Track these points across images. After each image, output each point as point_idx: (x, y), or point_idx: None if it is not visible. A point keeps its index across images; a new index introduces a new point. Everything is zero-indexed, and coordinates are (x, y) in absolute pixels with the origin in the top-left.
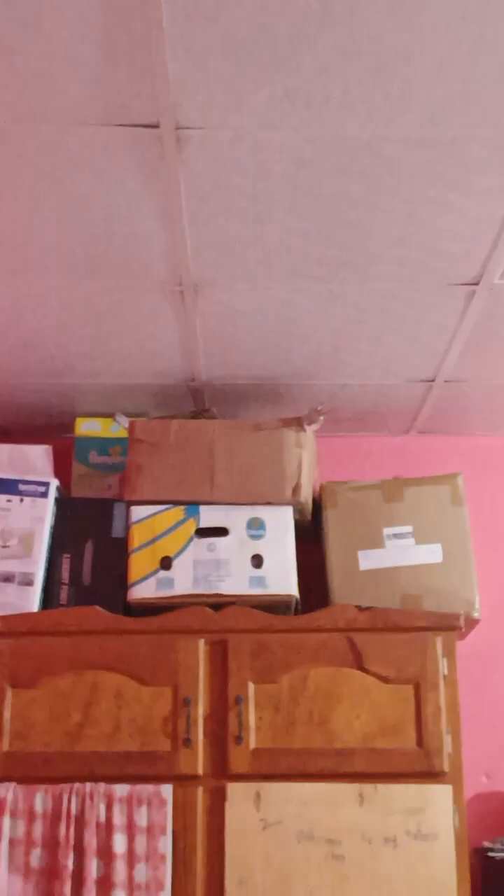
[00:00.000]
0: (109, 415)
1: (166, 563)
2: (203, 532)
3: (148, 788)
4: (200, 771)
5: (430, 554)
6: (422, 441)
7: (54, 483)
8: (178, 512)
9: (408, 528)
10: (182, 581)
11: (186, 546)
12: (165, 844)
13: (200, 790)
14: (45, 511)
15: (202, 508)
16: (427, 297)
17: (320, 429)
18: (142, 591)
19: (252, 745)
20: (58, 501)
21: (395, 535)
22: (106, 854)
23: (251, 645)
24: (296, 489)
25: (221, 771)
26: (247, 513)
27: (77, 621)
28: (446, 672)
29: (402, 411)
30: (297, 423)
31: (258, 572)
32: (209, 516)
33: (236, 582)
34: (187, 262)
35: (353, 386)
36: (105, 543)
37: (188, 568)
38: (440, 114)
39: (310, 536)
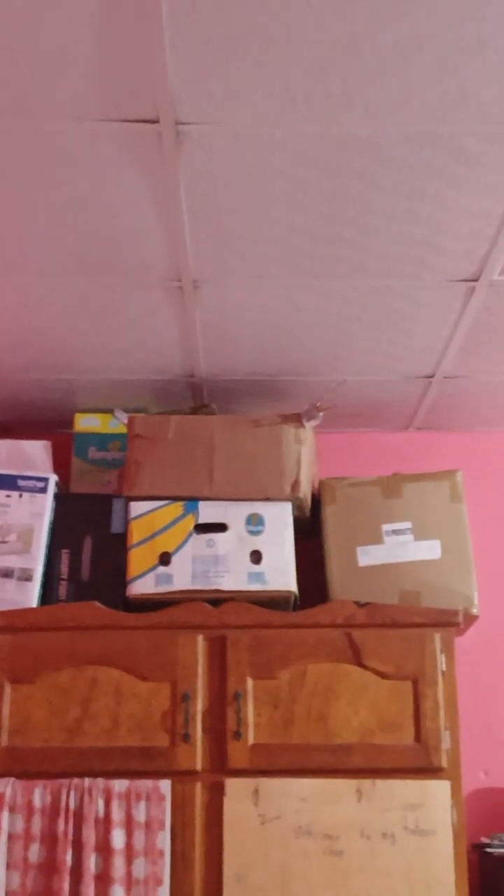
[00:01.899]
0: (108, 410)
1: (165, 559)
2: (202, 528)
3: (147, 784)
4: (199, 766)
5: (429, 550)
6: (421, 437)
7: (53, 479)
8: (177, 508)
9: (407, 525)
10: (181, 577)
11: (185, 542)
12: (164, 840)
13: (199, 785)
14: (45, 507)
15: (201, 504)
16: (426, 293)
17: (319, 425)
18: (141, 586)
19: (251, 740)
20: (57, 497)
21: (394, 532)
22: (104, 849)
23: (250, 641)
24: (295, 485)
25: (220, 766)
26: (246, 509)
27: (76, 617)
28: (444, 668)
29: (401, 407)
30: (296, 419)
31: (257, 568)
32: (208, 512)
33: (235, 578)
34: (187, 259)
35: (352, 382)
36: (104, 539)
37: (187, 564)
38: (439, 110)
39: (308, 532)
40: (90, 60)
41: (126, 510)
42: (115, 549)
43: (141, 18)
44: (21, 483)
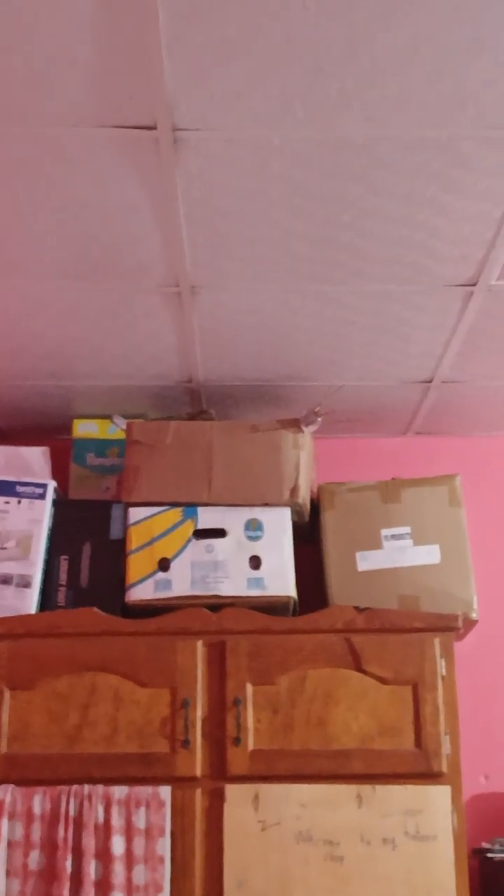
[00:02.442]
0: (107, 416)
1: (164, 565)
2: (201, 533)
3: (146, 790)
4: (199, 772)
5: (428, 555)
6: (419, 442)
7: (52, 485)
8: (175, 513)
9: (405, 529)
10: (180, 582)
11: (184, 547)
12: (164, 846)
13: (199, 792)
14: (43, 513)
15: (200, 510)
16: (424, 298)
17: (318, 430)
18: (140, 592)
19: (250, 746)
20: (55, 503)
21: (393, 536)
22: (104, 856)
23: (249, 646)
24: (293, 490)
25: (220, 772)
26: (244, 514)
27: (75, 623)
28: (444, 673)
29: (399, 412)
30: (295, 424)
31: (256, 573)
32: (207, 518)
33: (234, 583)
34: (184, 264)
35: (351, 387)
36: (103, 545)
37: (186, 569)
38: (437, 114)
39: (307, 537)
40: (87, 66)
41: (125, 516)
42: (113, 556)
43: (138, 24)
44: (19, 489)
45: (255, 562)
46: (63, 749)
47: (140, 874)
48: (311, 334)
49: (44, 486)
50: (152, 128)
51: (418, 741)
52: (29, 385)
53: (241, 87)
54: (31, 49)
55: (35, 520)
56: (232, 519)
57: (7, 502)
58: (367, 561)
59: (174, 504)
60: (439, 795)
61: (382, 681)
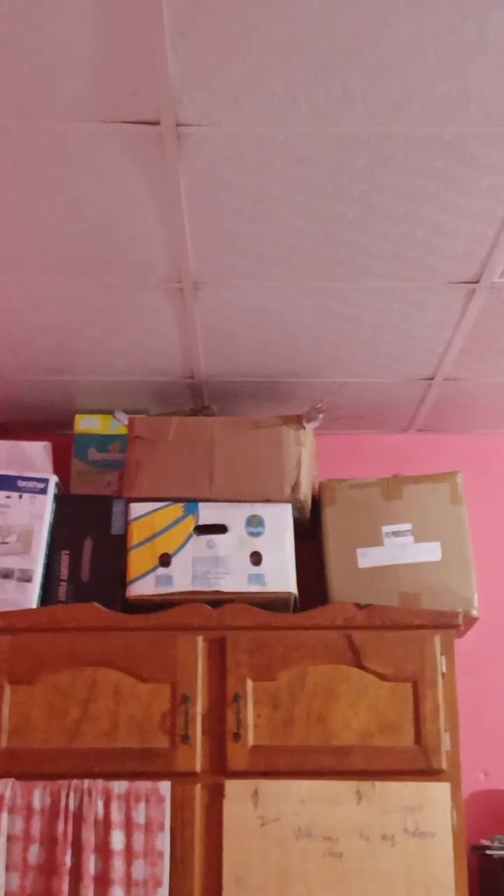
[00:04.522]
0: (109, 412)
1: (165, 560)
2: (202, 529)
3: (146, 785)
4: (199, 768)
5: (429, 552)
6: (421, 439)
7: (53, 480)
8: (177, 509)
9: (407, 526)
10: (181, 578)
11: (185, 543)
12: (163, 841)
13: (198, 787)
14: (45, 508)
15: (201, 505)
16: (427, 295)
17: (320, 426)
18: (140, 587)
19: (250, 742)
20: (57, 498)
21: (394, 533)
22: (104, 850)
23: (250, 642)
24: (295, 487)
25: (220, 768)
26: (246, 510)
27: (76, 618)
28: (444, 670)
29: (401, 409)
30: (297, 420)
31: (257, 570)
32: (208, 513)
33: (235, 579)
34: (187, 260)
35: (353, 384)
36: (104, 540)
37: (187, 565)
38: (440, 112)
39: (309, 534)
40: (91, 61)
41: (126, 511)
42: (115, 551)
43: (142, 19)
44: (21, 484)
45: (256, 558)
46: (63, 743)
47: (139, 869)
48: (314, 331)
49: (45, 480)
50: (156, 123)
51: (418, 738)
52: (31, 380)
53: (244, 84)
54: (35, 44)
55: (36, 514)
56: (233, 515)
57: (8, 497)
58: (367, 557)
59: (176, 500)
60: (439, 792)
61: (383, 677)
